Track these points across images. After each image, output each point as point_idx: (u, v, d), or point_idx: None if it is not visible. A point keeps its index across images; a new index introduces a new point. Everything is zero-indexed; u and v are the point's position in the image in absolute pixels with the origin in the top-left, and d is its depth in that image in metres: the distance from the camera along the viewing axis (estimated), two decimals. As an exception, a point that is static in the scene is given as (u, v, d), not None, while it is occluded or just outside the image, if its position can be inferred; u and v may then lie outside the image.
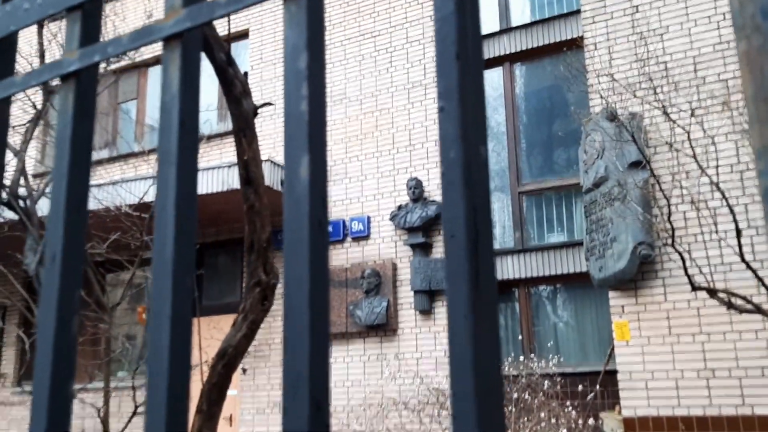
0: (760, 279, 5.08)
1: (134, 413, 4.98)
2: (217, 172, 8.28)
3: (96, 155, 11.05)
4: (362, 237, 8.67)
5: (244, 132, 3.00)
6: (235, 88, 2.97)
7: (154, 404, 0.57)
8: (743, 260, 4.93)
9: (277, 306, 9.06)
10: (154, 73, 11.33)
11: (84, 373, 8.27)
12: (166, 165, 0.62)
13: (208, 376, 2.84)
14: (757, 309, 4.85)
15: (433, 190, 8.42)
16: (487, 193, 0.47)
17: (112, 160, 10.92)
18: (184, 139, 0.62)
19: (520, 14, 9.34)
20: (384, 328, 8.19)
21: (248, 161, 2.95)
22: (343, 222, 8.81)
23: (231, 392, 7.22)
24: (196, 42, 0.64)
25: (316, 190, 0.53)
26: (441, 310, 8.03)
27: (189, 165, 0.62)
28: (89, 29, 0.71)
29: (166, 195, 0.61)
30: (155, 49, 11.09)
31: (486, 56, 9.27)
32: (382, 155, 8.91)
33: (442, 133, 0.47)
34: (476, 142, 0.47)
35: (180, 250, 0.60)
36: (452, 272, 0.45)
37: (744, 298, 4.98)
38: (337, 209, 8.94)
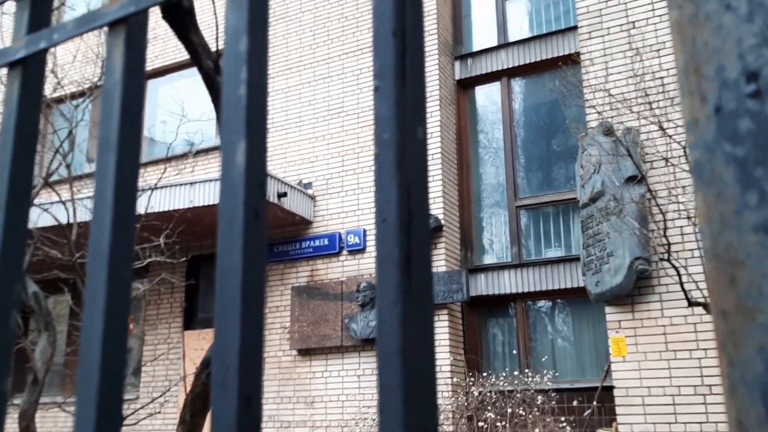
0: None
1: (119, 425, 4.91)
2: (213, 184, 8.26)
3: (90, 168, 11.01)
4: (358, 250, 8.63)
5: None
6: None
7: (83, 406, 0.54)
8: (739, 275, 4.90)
9: (269, 318, 8.99)
10: (153, 86, 11.35)
11: (72, 385, 8.19)
12: (106, 153, 0.59)
13: (192, 386, 2.78)
14: (754, 325, 4.81)
15: (431, 204, 8.38)
16: (424, 175, 0.44)
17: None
18: (125, 127, 0.60)
19: (518, 29, 9.37)
20: (379, 342, 8.12)
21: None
22: (339, 235, 8.77)
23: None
24: (142, 27, 0.62)
25: (252, 177, 0.51)
26: (440, 323, 7.94)
27: (130, 153, 0.60)
28: (37, 16, 0.69)
29: (104, 184, 0.58)
30: (154, 62, 11.14)
31: (483, 71, 9.28)
32: (379, 168, 8.88)
33: (377, 114, 0.45)
34: (413, 123, 0.44)
35: (118, 242, 0.57)
36: (382, 258, 0.42)
37: (740, 313, 4.94)
38: (334, 222, 8.90)
